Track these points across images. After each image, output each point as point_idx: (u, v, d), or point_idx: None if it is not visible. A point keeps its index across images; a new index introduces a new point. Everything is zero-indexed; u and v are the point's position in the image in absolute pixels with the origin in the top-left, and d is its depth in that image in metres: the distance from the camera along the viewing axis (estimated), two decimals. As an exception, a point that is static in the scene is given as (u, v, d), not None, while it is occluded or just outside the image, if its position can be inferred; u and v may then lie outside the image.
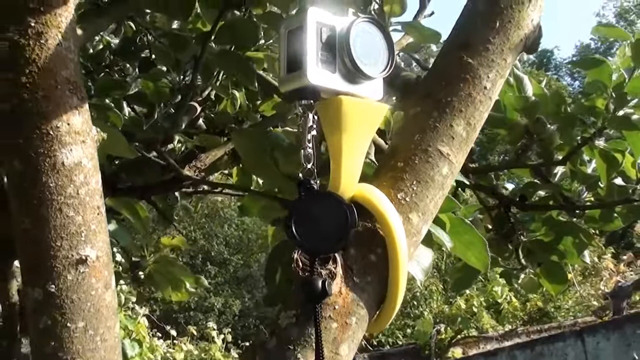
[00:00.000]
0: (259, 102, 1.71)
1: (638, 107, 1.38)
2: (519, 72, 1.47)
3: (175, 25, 1.54)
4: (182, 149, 1.80)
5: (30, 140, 0.68)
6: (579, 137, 1.43)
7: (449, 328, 7.27)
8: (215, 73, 1.49)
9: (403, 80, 1.26)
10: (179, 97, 1.48)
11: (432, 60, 1.05)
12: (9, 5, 0.68)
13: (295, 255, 0.69)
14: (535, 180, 1.54)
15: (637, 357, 3.96)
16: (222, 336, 7.04)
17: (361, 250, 0.72)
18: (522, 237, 1.53)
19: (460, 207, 1.00)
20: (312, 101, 0.70)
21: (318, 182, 0.71)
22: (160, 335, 6.48)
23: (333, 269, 0.68)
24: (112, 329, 0.73)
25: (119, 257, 1.99)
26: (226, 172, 2.06)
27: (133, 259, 1.91)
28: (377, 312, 0.74)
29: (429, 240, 0.92)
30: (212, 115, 1.76)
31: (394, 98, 1.25)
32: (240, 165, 1.77)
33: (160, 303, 8.96)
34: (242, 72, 1.38)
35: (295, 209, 0.70)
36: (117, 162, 1.56)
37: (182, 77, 1.49)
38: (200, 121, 1.72)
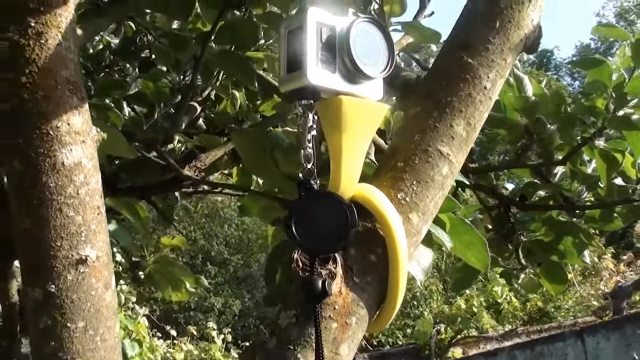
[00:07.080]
0: (259, 102, 1.71)
1: (638, 107, 1.38)
2: (519, 72, 1.47)
3: (175, 25, 1.54)
4: (182, 149, 1.80)
5: (30, 140, 0.68)
6: (579, 137, 1.43)
7: (449, 328, 7.27)
8: (215, 73, 1.49)
9: (403, 80, 1.26)
10: (179, 97, 1.48)
11: (432, 60, 1.05)
12: (9, 5, 0.68)
13: (295, 255, 0.69)
14: (535, 180, 1.54)
15: (637, 357, 3.96)
16: (222, 336, 7.04)
17: (361, 250, 0.72)
18: (522, 237, 1.53)
19: (460, 207, 1.00)
20: (312, 101, 0.70)
21: (318, 182, 0.71)
22: (160, 335, 6.48)
23: (333, 269, 0.68)
24: (112, 329, 0.73)
25: (119, 257, 1.99)
26: (226, 172, 2.05)
27: (133, 259, 1.91)
28: (377, 312, 0.74)
29: (429, 240, 0.92)
30: (212, 115, 1.76)
31: (394, 98, 1.25)
32: (240, 165, 1.77)
33: (160, 303, 8.96)
34: (242, 72, 1.38)
35: (295, 209, 0.69)
36: (117, 162, 1.56)
37: (182, 77, 1.49)
38: (200, 121, 1.72)
